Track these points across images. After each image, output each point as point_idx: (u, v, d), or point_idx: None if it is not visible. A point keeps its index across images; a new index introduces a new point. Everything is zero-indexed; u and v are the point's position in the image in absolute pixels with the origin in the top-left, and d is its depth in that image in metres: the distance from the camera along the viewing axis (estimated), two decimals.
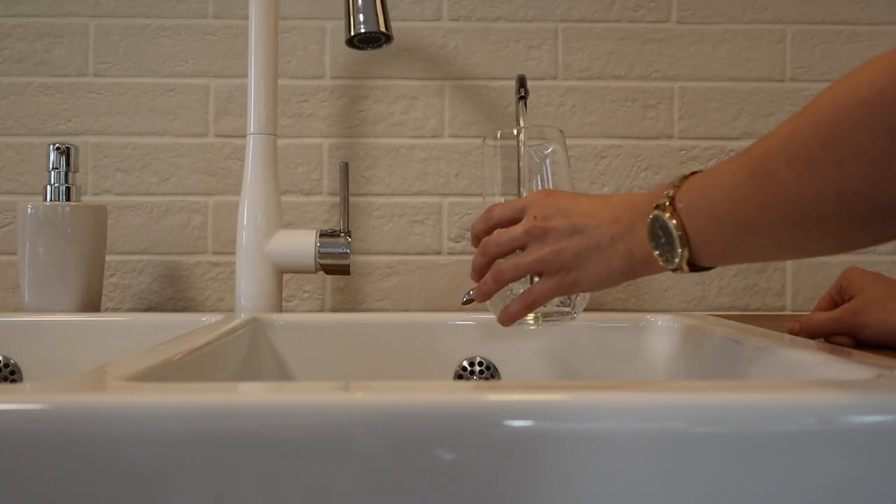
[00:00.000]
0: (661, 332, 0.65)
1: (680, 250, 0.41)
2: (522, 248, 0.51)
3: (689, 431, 0.29)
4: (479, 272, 0.54)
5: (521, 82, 0.70)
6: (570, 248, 0.48)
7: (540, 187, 0.60)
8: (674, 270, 0.43)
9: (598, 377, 0.66)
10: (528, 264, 0.50)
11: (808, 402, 0.30)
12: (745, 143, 0.89)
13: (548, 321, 0.56)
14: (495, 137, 0.60)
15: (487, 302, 0.56)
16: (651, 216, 0.43)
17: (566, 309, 0.56)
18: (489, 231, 0.54)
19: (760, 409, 0.29)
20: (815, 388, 0.31)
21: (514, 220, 0.52)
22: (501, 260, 0.53)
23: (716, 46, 0.90)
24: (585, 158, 0.89)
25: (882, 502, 0.29)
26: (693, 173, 0.43)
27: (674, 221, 0.41)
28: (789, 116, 0.35)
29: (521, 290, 0.53)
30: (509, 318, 0.53)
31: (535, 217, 0.50)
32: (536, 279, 0.52)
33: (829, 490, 0.29)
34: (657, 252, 0.43)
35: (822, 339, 0.55)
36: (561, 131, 0.60)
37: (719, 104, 0.90)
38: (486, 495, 0.29)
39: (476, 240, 0.56)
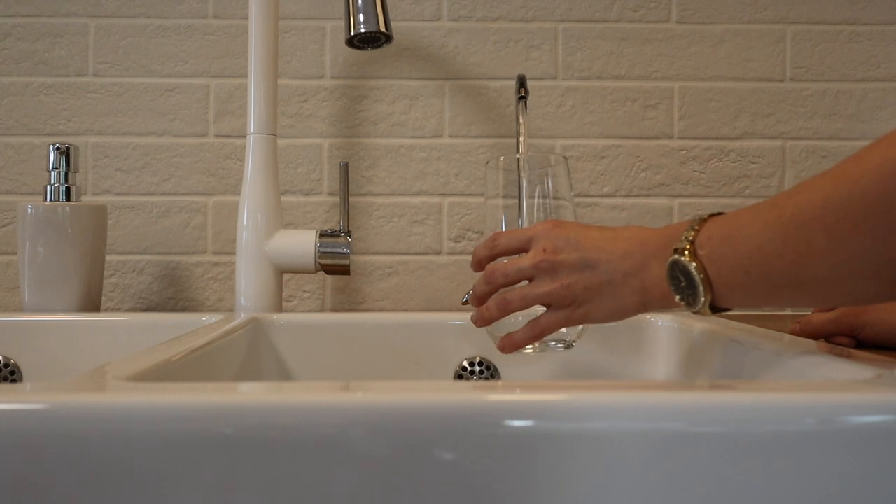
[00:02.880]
0: (661, 333, 0.65)
1: (703, 298, 0.42)
2: (529, 279, 0.50)
3: (689, 431, 0.29)
4: (480, 299, 0.54)
5: (521, 82, 0.70)
6: (582, 283, 0.48)
7: (541, 208, 0.59)
8: (694, 312, 0.43)
9: (598, 377, 0.66)
10: (538, 296, 0.50)
11: (808, 402, 0.30)
12: (745, 143, 0.90)
13: (546, 348, 0.55)
14: (498, 161, 0.60)
15: (486, 328, 0.55)
16: (671, 260, 0.43)
17: (566, 338, 0.55)
18: (493, 258, 0.54)
19: (760, 409, 0.29)
20: (815, 388, 0.31)
21: (520, 250, 0.52)
22: (507, 288, 0.52)
23: (716, 46, 0.90)
24: (585, 158, 0.89)
25: (882, 502, 0.29)
26: (711, 216, 0.43)
27: (694, 265, 0.41)
28: (820, 175, 0.35)
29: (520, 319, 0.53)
30: (513, 346, 0.53)
31: (544, 250, 0.49)
32: (542, 309, 0.51)
33: (830, 490, 0.29)
34: (678, 296, 0.43)
35: (822, 340, 0.55)
36: (564, 157, 0.60)
37: (719, 104, 0.90)
38: (486, 495, 0.29)
39: (478, 265, 0.55)
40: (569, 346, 0.56)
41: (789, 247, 0.36)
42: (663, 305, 0.46)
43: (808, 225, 0.35)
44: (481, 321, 0.54)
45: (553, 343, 0.55)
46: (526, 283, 0.51)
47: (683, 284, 0.42)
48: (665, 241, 0.45)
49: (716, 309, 0.43)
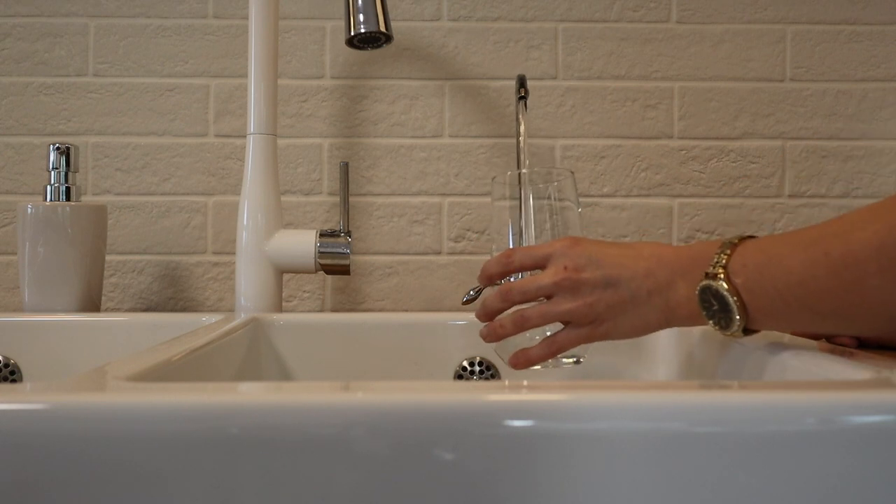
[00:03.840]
0: (661, 333, 0.65)
1: (738, 324, 0.43)
2: (548, 297, 0.50)
3: (689, 431, 0.29)
4: (491, 315, 0.53)
5: (521, 82, 0.70)
6: (605, 301, 0.48)
7: (546, 210, 0.59)
8: (726, 335, 0.44)
9: (598, 377, 0.66)
10: (558, 314, 0.49)
11: (808, 402, 0.30)
12: (745, 143, 0.90)
13: (558, 363, 0.55)
14: (504, 176, 0.60)
15: (494, 344, 0.55)
16: (703, 284, 0.43)
17: (576, 353, 0.55)
18: (505, 275, 0.53)
19: (760, 409, 0.29)
20: (815, 388, 0.31)
21: (536, 268, 0.51)
22: (524, 305, 0.51)
23: (716, 46, 0.90)
24: (585, 158, 0.89)
25: (882, 502, 0.29)
26: (742, 240, 0.43)
27: (726, 287, 0.42)
28: (865, 210, 0.37)
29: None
30: (528, 362, 0.52)
31: (565, 268, 0.49)
32: (551, 325, 0.51)
33: (830, 490, 0.29)
34: (711, 320, 0.44)
35: (823, 339, 0.55)
36: (571, 172, 0.60)
37: (719, 104, 0.90)
38: (486, 495, 0.29)
39: (488, 280, 0.54)
40: (577, 361, 0.55)
41: (839, 283, 0.37)
42: (688, 324, 0.47)
43: (861, 265, 0.36)
44: (493, 337, 0.53)
45: (563, 360, 0.55)
46: (542, 299, 0.51)
47: (716, 308, 0.43)
48: (690, 261, 0.45)
49: (748, 331, 0.44)
